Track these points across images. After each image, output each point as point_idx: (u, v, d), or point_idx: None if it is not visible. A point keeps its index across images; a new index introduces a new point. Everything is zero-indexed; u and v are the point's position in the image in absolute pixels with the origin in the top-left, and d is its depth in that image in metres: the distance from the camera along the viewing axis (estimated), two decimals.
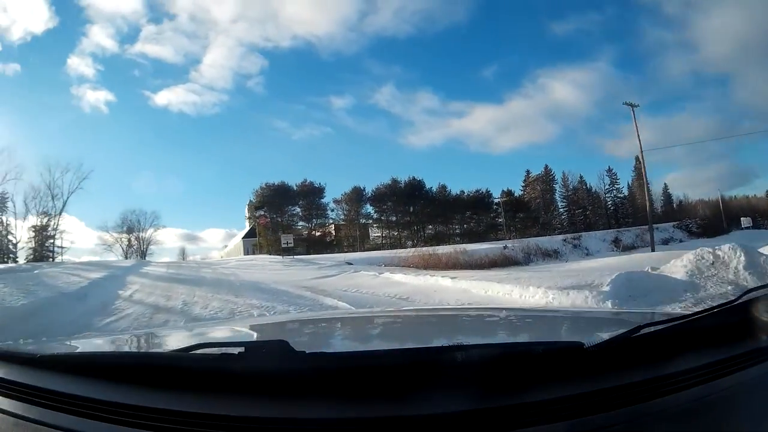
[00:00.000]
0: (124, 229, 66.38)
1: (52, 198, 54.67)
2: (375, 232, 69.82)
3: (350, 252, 50.87)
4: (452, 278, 14.34)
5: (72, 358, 1.36)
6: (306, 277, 19.50)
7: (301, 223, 68.22)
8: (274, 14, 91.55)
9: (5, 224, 54.68)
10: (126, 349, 1.75)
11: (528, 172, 72.78)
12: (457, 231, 68.74)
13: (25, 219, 54.34)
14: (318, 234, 67.93)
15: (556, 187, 72.73)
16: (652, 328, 1.03)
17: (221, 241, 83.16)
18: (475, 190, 69.79)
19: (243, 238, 69.67)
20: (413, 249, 37.81)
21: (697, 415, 0.89)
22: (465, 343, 1.06)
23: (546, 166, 72.54)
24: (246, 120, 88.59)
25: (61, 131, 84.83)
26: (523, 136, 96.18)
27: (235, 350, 0.98)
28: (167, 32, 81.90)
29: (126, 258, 58.08)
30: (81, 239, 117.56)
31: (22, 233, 55.30)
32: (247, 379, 0.94)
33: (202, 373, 0.99)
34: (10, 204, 53.56)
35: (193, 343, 1.15)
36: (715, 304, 1.19)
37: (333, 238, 67.70)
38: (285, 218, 66.49)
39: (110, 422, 0.93)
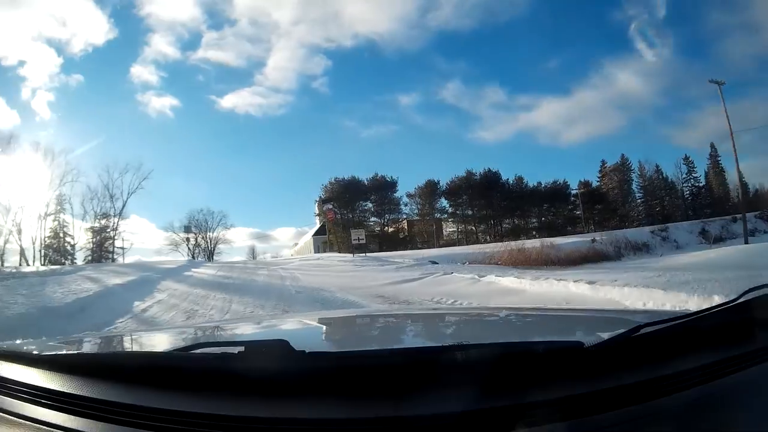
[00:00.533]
0: (191, 228, 66.13)
1: (111, 199, 54.86)
2: (450, 227, 67.18)
3: (425, 249, 47.72)
4: (589, 283, 9.65)
5: (72, 357, 1.35)
6: (381, 281, 15.41)
7: (372, 218, 66.50)
8: (334, 15, 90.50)
9: (63, 225, 54.70)
10: (126, 348, 1.78)
11: (603, 162, 68.39)
12: (535, 224, 65.89)
13: (83, 220, 54.92)
14: (391, 230, 66.26)
15: (633, 176, 68.32)
16: (652, 328, 1.02)
17: (291, 239, 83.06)
18: (551, 182, 66.41)
19: (313, 235, 67.94)
20: (500, 244, 33.45)
21: (697, 415, 0.89)
22: (465, 343, 1.07)
23: (622, 156, 67.74)
24: (313, 120, 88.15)
25: (127, 137, 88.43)
26: (590, 128, 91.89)
27: (235, 350, 0.98)
28: (229, 37, 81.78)
29: (193, 258, 57.50)
30: (150, 239, 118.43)
31: (80, 235, 55.63)
32: (247, 379, 0.94)
33: (202, 373, 0.99)
34: (68, 206, 54.08)
35: (193, 343, 1.22)
36: (715, 304, 1.17)
37: (406, 234, 65.76)
38: (356, 214, 64.88)
39: (110, 422, 0.93)
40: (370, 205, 65.95)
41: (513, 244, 30.89)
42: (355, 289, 13.10)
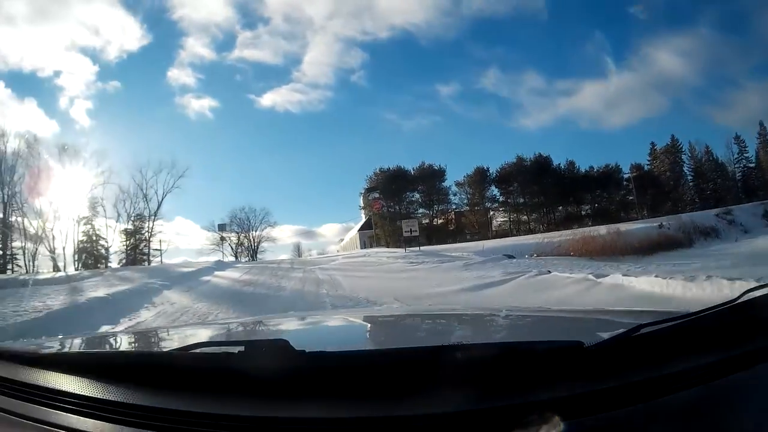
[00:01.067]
0: (226, 227, 63.74)
1: (145, 199, 53.56)
2: (501, 217, 63.17)
3: (476, 240, 43.61)
4: None
5: (72, 357, 1.37)
6: (452, 285, 11.47)
7: (420, 210, 61.99)
8: (368, 6, 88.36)
9: (96, 229, 53.32)
10: (126, 348, 1.80)
11: (653, 144, 63.93)
12: (588, 211, 61.57)
13: (118, 222, 53.25)
14: (440, 222, 61.59)
15: (684, 158, 63.66)
16: (652, 328, 1.02)
17: (337, 235, 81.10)
18: (603, 166, 61.67)
19: (359, 230, 65.23)
20: (567, 232, 30.94)
21: (697, 415, 0.89)
22: (465, 343, 1.09)
23: (672, 137, 63.21)
24: (353, 114, 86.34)
25: (168, 140, 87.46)
26: (632, 111, 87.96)
27: (235, 349, 0.99)
28: (263, 36, 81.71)
29: (236, 257, 56.78)
30: (195, 240, 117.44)
31: (114, 237, 53.98)
32: (247, 379, 0.95)
33: (202, 373, 1.00)
34: (101, 209, 52.39)
35: (193, 343, 1.21)
36: (715, 304, 1.17)
37: (454, 225, 61.31)
38: (403, 206, 60.73)
39: (110, 422, 0.94)
40: (418, 195, 61.61)
41: (581, 232, 28.41)
42: (421, 300, 9.63)
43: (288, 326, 2.32)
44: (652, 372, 0.94)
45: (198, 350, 1.10)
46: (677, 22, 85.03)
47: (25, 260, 46.43)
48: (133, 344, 1.97)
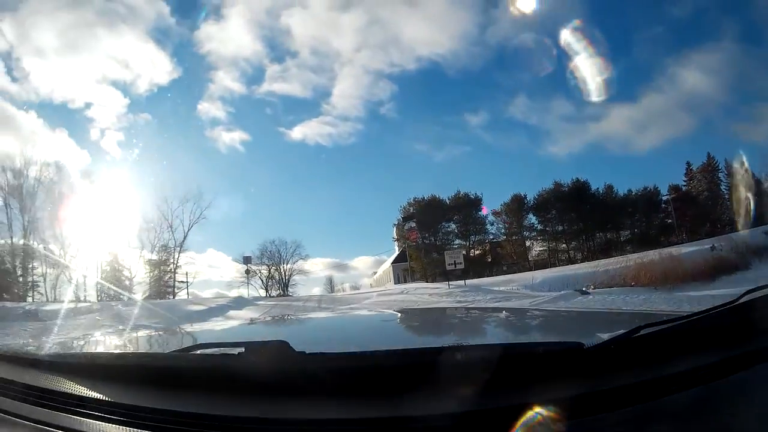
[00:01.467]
0: (251, 260, 60.71)
1: (171, 229, 51.65)
2: (539, 246, 60.61)
3: (516, 271, 42.13)
4: None
5: (72, 358, 1.38)
6: None
7: (457, 241, 59.00)
8: (395, 39, 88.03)
9: (119, 259, 51.07)
10: (126, 349, 1.79)
11: (689, 164, 59.89)
12: (628, 236, 58.58)
13: (141, 252, 51.43)
14: (476, 252, 58.76)
15: (721, 176, 58.27)
16: (652, 328, 1.03)
17: (369, 268, 79.97)
18: (642, 188, 58.35)
19: (392, 263, 62.98)
20: (619, 259, 28.10)
21: (697, 416, 0.90)
22: (465, 344, 1.10)
23: (708, 155, 59.06)
24: (383, 145, 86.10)
25: (199, 172, 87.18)
26: (661, 132, 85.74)
27: (235, 350, 1.00)
28: (292, 69, 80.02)
29: (266, 292, 55.01)
30: (226, 272, 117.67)
31: (138, 268, 51.45)
32: (247, 379, 0.96)
33: (203, 373, 1.01)
34: (125, 238, 50.43)
35: (193, 344, 1.23)
36: (715, 304, 1.18)
37: (491, 256, 59.79)
38: (439, 237, 58.21)
39: (110, 422, 0.95)
40: (453, 226, 58.42)
41: (633, 259, 25.88)
42: None
43: (287, 327, 2.33)
44: (652, 372, 0.95)
45: (198, 352, 1.11)
46: (700, 39, 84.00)
47: (45, 288, 44.33)
48: (133, 345, 1.96)
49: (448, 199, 58.59)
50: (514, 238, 59.07)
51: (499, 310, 2.26)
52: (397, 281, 55.67)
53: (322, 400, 0.90)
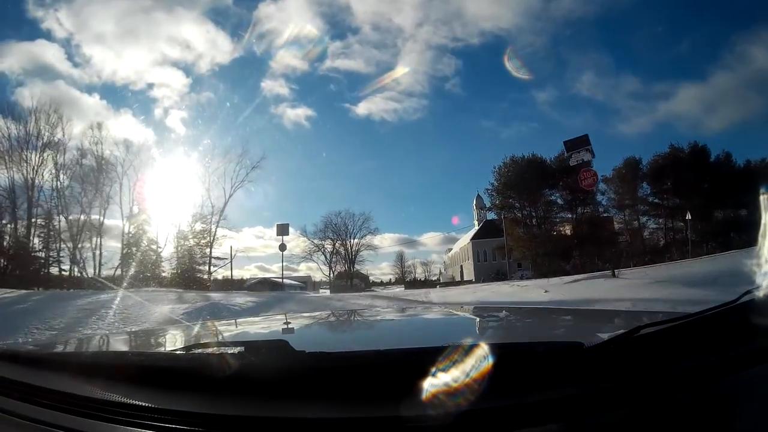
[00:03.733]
0: (328, 234, 56.04)
1: (209, 194, 43.01)
2: (652, 224, 49.27)
3: (636, 261, 34.57)
4: None
5: (72, 357, 1.38)
6: None
7: (560, 214, 48.55)
8: (457, 13, 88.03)
9: (146, 230, 42.00)
10: (126, 348, 1.77)
11: None
12: (746, 216, 43.47)
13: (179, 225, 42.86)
14: (584, 229, 44.50)
15: None
16: (652, 329, 1.03)
17: (439, 244, 80.00)
18: (760, 159, 46.10)
19: (472, 239, 57.83)
20: None
21: (697, 415, 0.89)
22: (465, 343, 1.10)
23: None
24: (449, 122, 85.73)
25: (266, 149, 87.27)
26: (731, 114, 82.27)
27: (235, 350, 1.00)
28: (354, 45, 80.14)
29: (330, 270, 51.27)
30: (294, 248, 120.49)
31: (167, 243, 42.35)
32: (247, 379, 0.95)
33: (202, 373, 1.00)
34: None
35: (193, 343, 1.22)
36: (715, 305, 1.17)
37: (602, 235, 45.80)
38: (539, 208, 47.39)
39: (110, 422, 0.95)
40: (557, 196, 47.00)
41: None
42: None
43: (288, 326, 2.31)
44: (652, 372, 0.94)
45: (198, 350, 1.10)
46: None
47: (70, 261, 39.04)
48: (132, 345, 1.94)
49: (550, 161, 46.94)
50: (627, 213, 47.55)
51: (499, 309, 2.28)
52: (478, 260, 52.35)
53: (322, 400, 0.90)
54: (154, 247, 41.26)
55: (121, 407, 0.95)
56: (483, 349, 1.00)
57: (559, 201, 47.59)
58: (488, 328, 1.99)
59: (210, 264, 42.50)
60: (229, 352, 1.00)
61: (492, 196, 48.97)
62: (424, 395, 0.87)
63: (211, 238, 42.64)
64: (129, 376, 1.05)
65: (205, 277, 41.18)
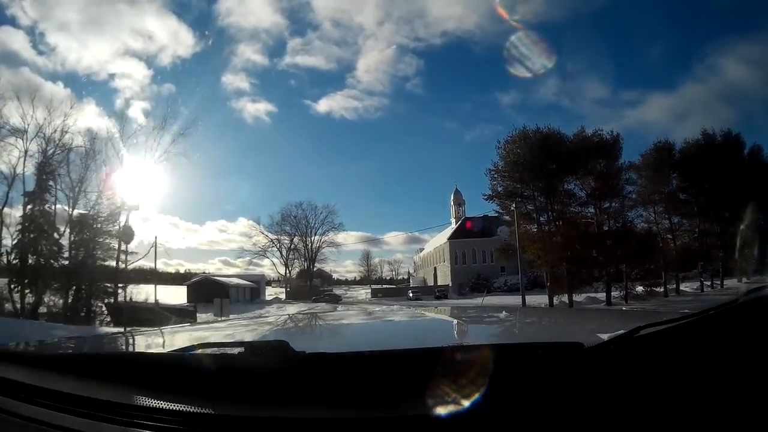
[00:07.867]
0: (284, 227, 50.66)
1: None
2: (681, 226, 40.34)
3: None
4: None
5: (72, 357, 1.39)
6: None
7: (576, 208, 35.89)
8: (419, 12, 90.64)
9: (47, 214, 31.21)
10: (126, 349, 1.78)
11: None
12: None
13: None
14: (607, 227, 34.78)
15: None
16: (652, 329, 1.03)
17: (402, 244, 77.50)
18: None
19: (449, 238, 51.41)
20: None
21: (697, 416, 0.89)
22: (465, 344, 1.10)
23: None
24: (411, 122, 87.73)
25: (226, 143, 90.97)
26: (700, 124, 79.41)
27: (235, 350, 1.02)
28: (314, 41, 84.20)
29: (286, 269, 46.29)
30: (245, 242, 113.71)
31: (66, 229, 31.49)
32: (247, 379, 0.96)
33: (202, 373, 1.00)
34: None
35: (193, 343, 1.20)
36: (716, 305, 1.17)
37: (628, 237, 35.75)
38: (556, 200, 34.30)
39: (110, 422, 0.95)
40: (575, 186, 34.87)
41: None
42: None
43: (287, 327, 2.32)
44: (652, 373, 0.94)
45: (198, 351, 1.09)
46: (743, 28, 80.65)
47: None
48: (133, 345, 1.96)
49: (570, 137, 34.67)
50: (657, 208, 37.98)
51: (499, 309, 2.30)
52: (455, 262, 48.16)
53: (322, 400, 0.91)
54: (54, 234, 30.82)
55: (121, 407, 0.96)
56: (483, 349, 1.00)
57: (579, 193, 35.26)
58: (488, 329, 1.99)
59: (118, 258, 29.83)
60: (230, 352, 1.02)
61: (494, 179, 35.66)
62: (425, 396, 0.87)
63: (120, 225, 30.40)
64: (129, 377, 1.06)
65: (113, 266, 30.75)
